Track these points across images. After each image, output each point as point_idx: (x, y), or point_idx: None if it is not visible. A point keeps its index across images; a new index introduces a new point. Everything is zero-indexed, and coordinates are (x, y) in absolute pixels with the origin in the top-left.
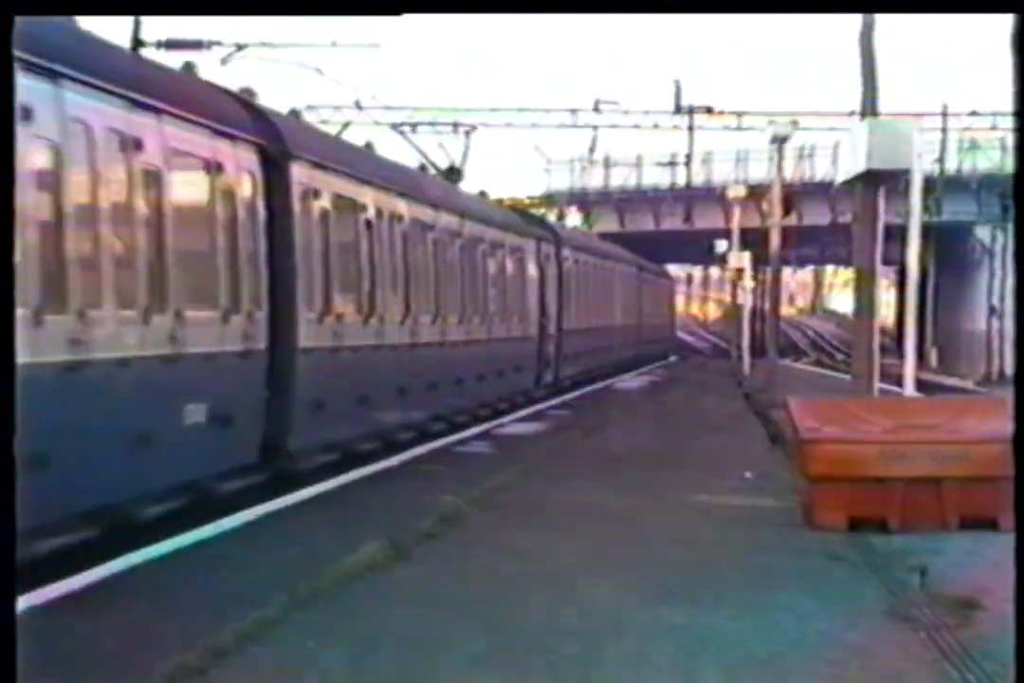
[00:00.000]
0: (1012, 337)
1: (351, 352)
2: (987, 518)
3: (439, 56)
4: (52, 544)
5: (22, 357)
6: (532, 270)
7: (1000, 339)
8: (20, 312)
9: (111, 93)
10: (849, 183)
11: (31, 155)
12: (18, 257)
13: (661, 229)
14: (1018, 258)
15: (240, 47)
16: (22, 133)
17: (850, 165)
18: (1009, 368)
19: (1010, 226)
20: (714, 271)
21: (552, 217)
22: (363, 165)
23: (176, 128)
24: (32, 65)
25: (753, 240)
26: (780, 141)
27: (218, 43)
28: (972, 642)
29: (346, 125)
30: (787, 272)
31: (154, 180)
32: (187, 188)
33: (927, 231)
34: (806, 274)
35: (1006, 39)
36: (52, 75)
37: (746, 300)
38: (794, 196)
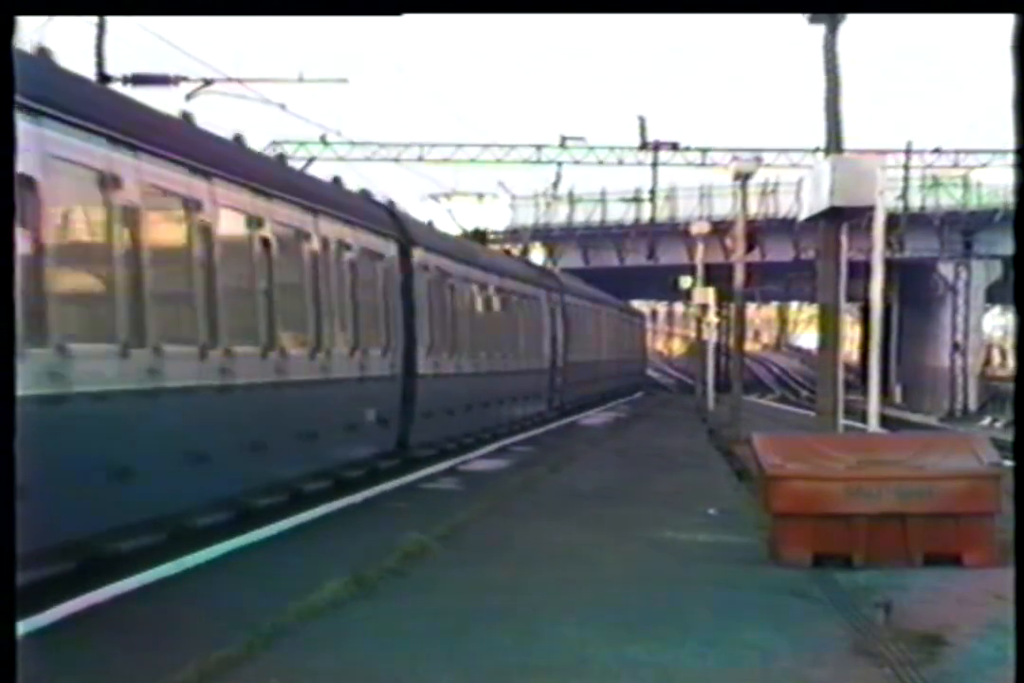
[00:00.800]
0: (975, 372)
1: (443, 378)
2: (951, 554)
3: (405, 92)
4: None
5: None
6: (545, 314)
7: (964, 375)
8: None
9: (334, 217)
10: (812, 219)
11: (259, 251)
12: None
13: (625, 265)
14: (1017, 258)
15: (207, 82)
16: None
17: (813, 201)
18: (973, 404)
19: (973, 262)
20: (679, 307)
21: (515, 252)
22: (451, 246)
23: (365, 234)
24: (256, 191)
25: (717, 276)
26: (743, 177)
27: (185, 78)
28: (937, 678)
29: (311, 160)
30: (751, 308)
31: (351, 266)
32: (365, 270)
33: (890, 267)
34: (770, 310)
35: (972, 75)
36: (266, 195)
37: (710, 336)
38: (758, 232)
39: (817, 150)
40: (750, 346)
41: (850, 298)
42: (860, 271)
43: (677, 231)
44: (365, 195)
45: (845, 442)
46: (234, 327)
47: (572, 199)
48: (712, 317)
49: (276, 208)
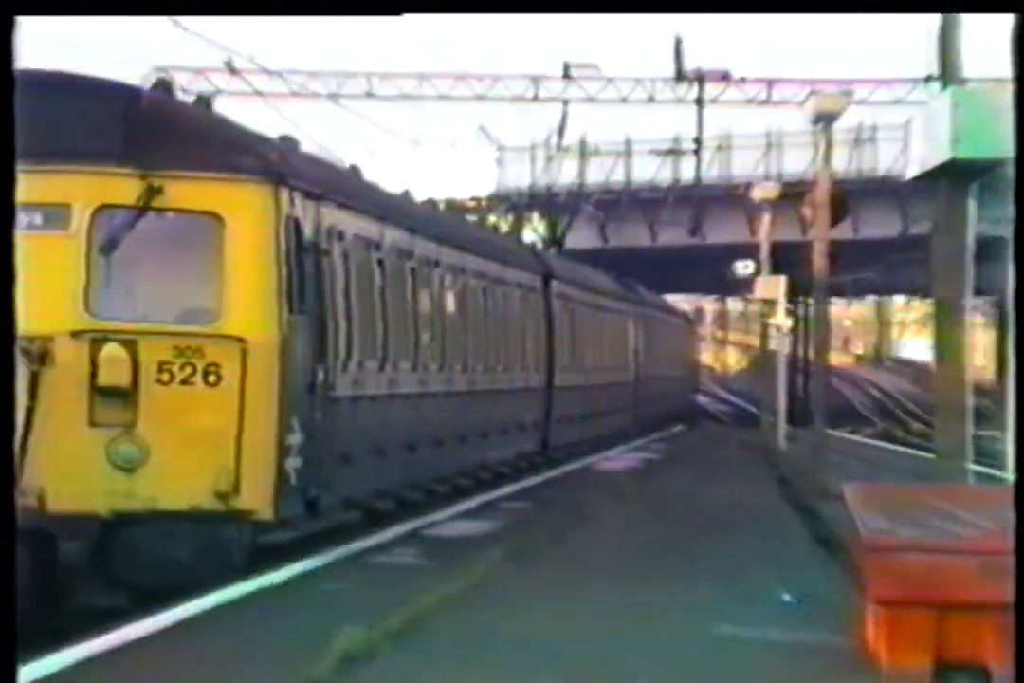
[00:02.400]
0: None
1: (569, 389)
2: None
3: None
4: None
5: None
6: (629, 330)
7: None
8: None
9: (515, 265)
10: (926, 178)
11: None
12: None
13: (659, 245)
14: (1017, 259)
15: None
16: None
17: (927, 153)
18: None
19: None
20: (734, 304)
21: (504, 227)
22: (576, 275)
23: (517, 271)
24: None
25: (791, 260)
26: (827, 119)
27: None
28: None
29: (212, 95)
30: (840, 305)
31: (511, 298)
32: (523, 302)
33: None
34: (866, 308)
35: None
36: (476, 253)
37: (781, 345)
38: (848, 198)
39: (930, 80)
40: (837, 359)
41: (980, 291)
42: (996, 252)
43: (732, 196)
44: (516, 239)
45: (978, 497)
46: (451, 349)
47: (584, 151)
48: (783, 318)
49: (476, 260)
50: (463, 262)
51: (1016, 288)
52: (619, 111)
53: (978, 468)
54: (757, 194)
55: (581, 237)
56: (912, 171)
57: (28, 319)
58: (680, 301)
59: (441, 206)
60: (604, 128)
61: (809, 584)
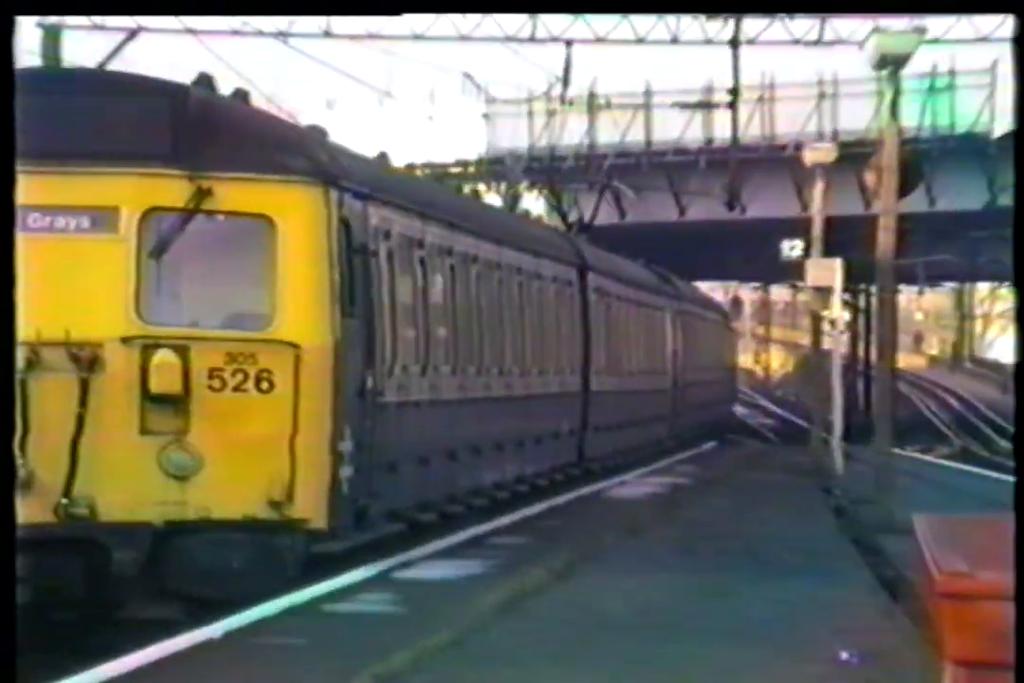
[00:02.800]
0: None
1: (606, 394)
2: None
3: None
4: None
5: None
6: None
7: None
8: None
9: (553, 258)
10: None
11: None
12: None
13: (688, 220)
14: (1017, 260)
15: None
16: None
17: (1020, 104)
18: None
19: None
20: (779, 293)
21: (496, 199)
22: (613, 266)
23: (552, 263)
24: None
25: (849, 239)
26: (895, 64)
27: None
28: None
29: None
30: (910, 295)
31: (546, 294)
32: (559, 298)
33: None
34: (943, 298)
35: None
36: (511, 245)
37: (837, 344)
38: (922, 160)
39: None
40: (907, 360)
41: None
42: None
43: (777, 160)
44: (552, 229)
45: None
46: (488, 352)
47: (593, 105)
48: (839, 311)
49: (513, 254)
50: (500, 257)
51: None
52: (636, 54)
53: None
54: (808, 157)
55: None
56: (1001, 127)
57: (77, 325)
58: (713, 289)
59: (419, 173)
60: (618, 76)
61: (872, 638)
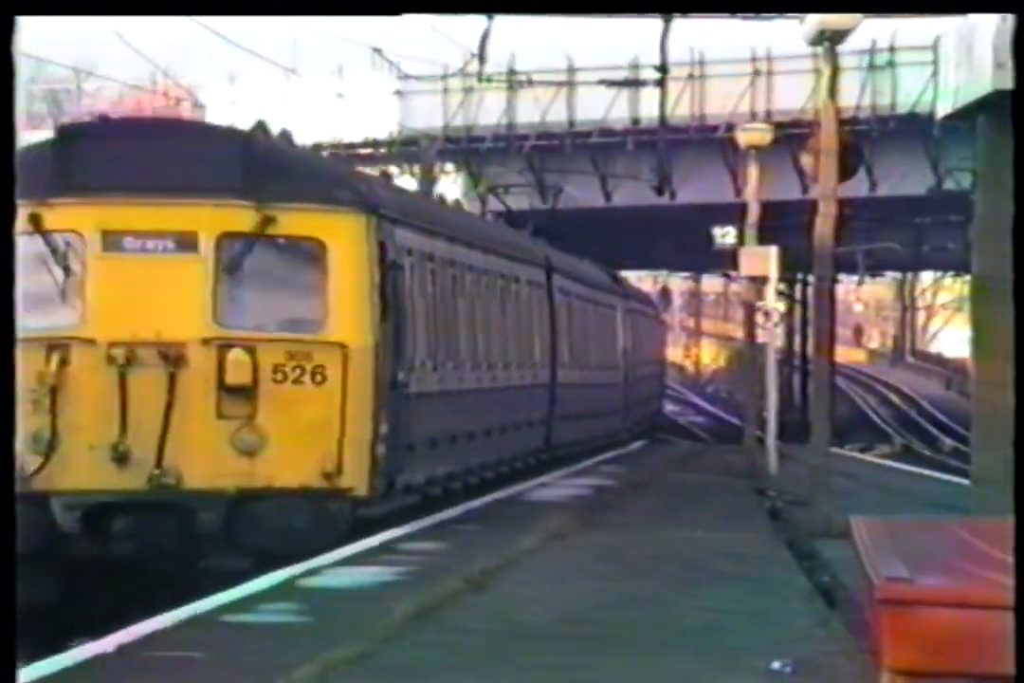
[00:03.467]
0: None
1: (570, 386)
2: None
3: None
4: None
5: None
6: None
7: None
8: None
9: (525, 262)
10: (963, 117)
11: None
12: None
13: (614, 205)
14: (1017, 259)
15: None
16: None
17: (964, 81)
18: None
19: None
20: (711, 283)
21: (411, 181)
22: (572, 267)
23: (525, 266)
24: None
25: (785, 226)
26: (832, 39)
27: None
28: None
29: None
30: (849, 284)
31: (522, 295)
32: (531, 298)
33: None
34: (883, 288)
35: None
36: (495, 253)
37: (772, 337)
38: (862, 142)
39: None
40: (847, 355)
41: None
42: None
43: (709, 141)
44: (518, 232)
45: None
46: (482, 348)
47: (512, 81)
48: (774, 302)
49: (497, 260)
50: (486, 264)
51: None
52: (559, 27)
53: None
54: (742, 139)
55: (514, 195)
56: (944, 107)
57: (165, 329)
58: (641, 279)
59: (325, 153)
60: (539, 52)
61: (806, 647)
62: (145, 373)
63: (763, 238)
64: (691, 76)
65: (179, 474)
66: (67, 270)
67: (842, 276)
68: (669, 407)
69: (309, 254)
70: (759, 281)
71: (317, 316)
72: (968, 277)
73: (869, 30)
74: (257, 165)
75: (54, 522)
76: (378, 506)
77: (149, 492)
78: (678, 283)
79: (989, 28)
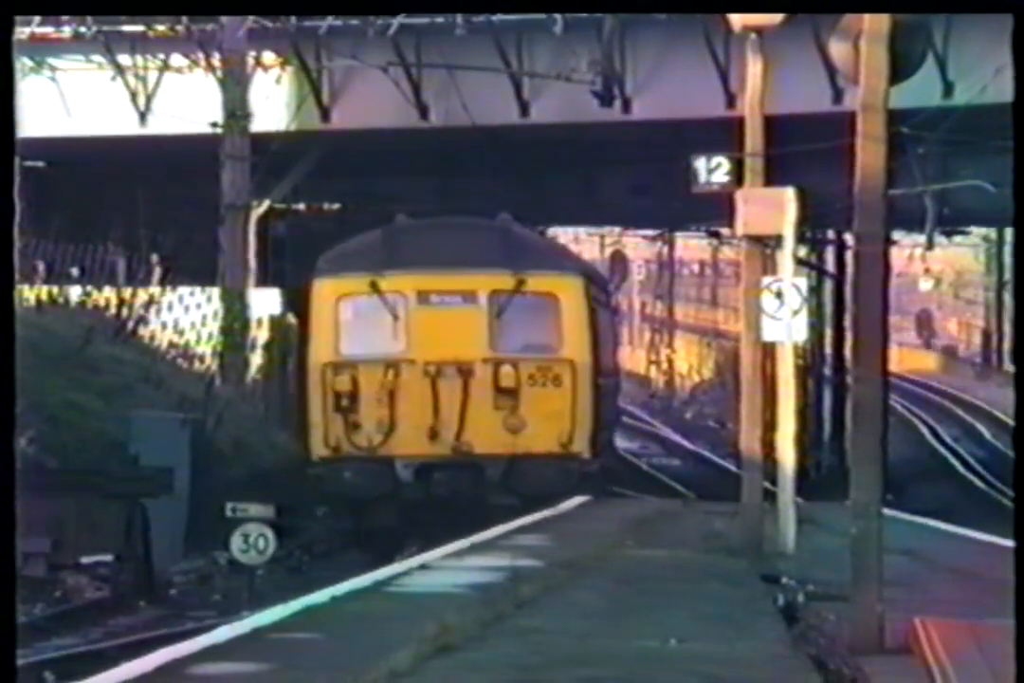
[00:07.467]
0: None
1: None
2: None
3: None
4: None
5: None
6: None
7: None
8: None
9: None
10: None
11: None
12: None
13: (532, 121)
14: (1017, 258)
15: None
16: None
17: None
18: None
19: None
20: (690, 245)
21: (209, 79)
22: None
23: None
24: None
25: (808, 154)
26: None
27: None
28: None
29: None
30: (910, 247)
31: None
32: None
33: None
34: (966, 254)
35: None
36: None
37: (787, 332)
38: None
39: None
40: (908, 360)
41: None
42: None
43: (687, 20)
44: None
45: None
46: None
47: None
48: (791, 276)
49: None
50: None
51: (1015, 278)
52: None
53: None
54: (737, 22)
55: (373, 107)
56: None
57: (460, 353)
58: (579, 240)
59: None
60: None
61: None
62: (447, 381)
63: (772, 175)
64: None
65: (471, 445)
66: (395, 317)
67: (900, 235)
68: (624, 443)
69: (548, 303)
70: (767, 243)
71: (554, 343)
72: None
73: None
74: (512, 245)
75: (396, 475)
76: (593, 464)
77: (454, 456)
78: (638, 247)
79: None
